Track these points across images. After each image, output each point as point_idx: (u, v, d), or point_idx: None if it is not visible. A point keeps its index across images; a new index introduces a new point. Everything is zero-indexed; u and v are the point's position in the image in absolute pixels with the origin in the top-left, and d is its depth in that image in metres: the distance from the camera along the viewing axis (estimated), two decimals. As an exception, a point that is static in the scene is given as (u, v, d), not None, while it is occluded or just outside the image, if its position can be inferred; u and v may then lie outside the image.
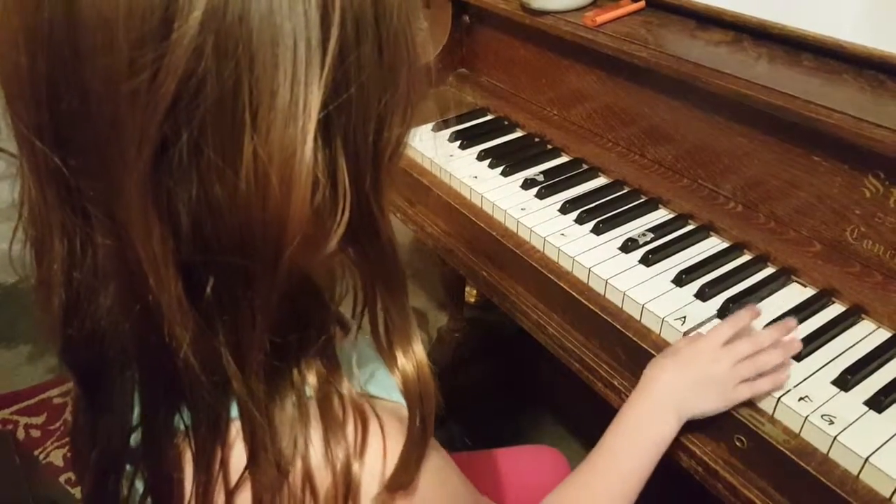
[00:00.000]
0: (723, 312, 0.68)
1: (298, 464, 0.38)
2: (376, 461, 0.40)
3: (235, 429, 0.39)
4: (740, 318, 0.64)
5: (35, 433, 1.45)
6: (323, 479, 0.38)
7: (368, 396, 0.43)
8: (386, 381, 0.44)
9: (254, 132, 0.30)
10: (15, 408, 1.50)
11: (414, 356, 0.43)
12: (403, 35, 0.35)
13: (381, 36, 0.33)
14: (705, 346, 0.62)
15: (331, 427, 0.39)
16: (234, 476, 0.39)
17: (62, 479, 1.32)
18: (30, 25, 0.30)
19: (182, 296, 0.34)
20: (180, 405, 0.39)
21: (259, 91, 0.30)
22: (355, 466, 0.39)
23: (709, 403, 0.60)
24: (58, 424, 1.46)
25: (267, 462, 0.37)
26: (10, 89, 0.32)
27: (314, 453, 0.38)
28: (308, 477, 0.38)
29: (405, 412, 0.44)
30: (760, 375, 0.60)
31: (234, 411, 0.39)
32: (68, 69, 0.30)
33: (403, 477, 0.41)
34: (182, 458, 0.40)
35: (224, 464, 0.39)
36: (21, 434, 1.44)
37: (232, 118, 0.30)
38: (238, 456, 0.39)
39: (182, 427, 0.40)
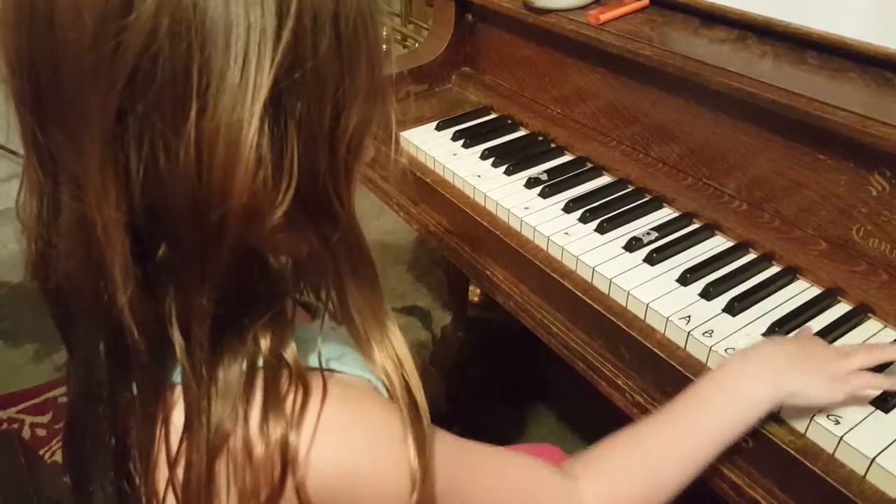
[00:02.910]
0: (728, 311, 0.68)
1: (239, 432, 0.39)
2: (308, 430, 0.41)
3: (179, 391, 0.40)
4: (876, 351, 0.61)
5: (40, 432, 1.45)
6: (257, 449, 0.39)
7: (326, 370, 0.44)
8: (353, 361, 0.46)
9: (200, 109, 0.33)
10: (20, 406, 1.50)
11: (392, 347, 0.45)
12: (363, 27, 0.37)
13: (339, 28, 0.35)
14: (818, 340, 0.61)
15: (271, 401, 0.40)
16: (176, 436, 0.40)
17: (66, 478, 1.32)
18: (17, 5, 0.35)
19: (128, 257, 0.36)
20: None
21: (209, 71, 0.33)
22: (292, 437, 0.40)
23: (809, 379, 0.55)
24: (63, 423, 1.46)
25: (202, 427, 0.39)
26: (9, 63, 0.36)
27: (252, 421, 0.40)
28: (246, 445, 0.39)
29: (364, 382, 0.46)
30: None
31: (178, 376, 0.40)
32: (44, 43, 0.34)
33: (420, 463, 0.43)
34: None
35: (166, 424, 0.41)
36: (26, 433, 1.44)
37: (182, 94, 0.33)
38: (180, 417, 0.40)
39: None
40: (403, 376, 0.45)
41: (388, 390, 0.46)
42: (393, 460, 0.43)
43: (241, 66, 0.33)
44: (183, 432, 0.40)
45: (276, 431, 0.39)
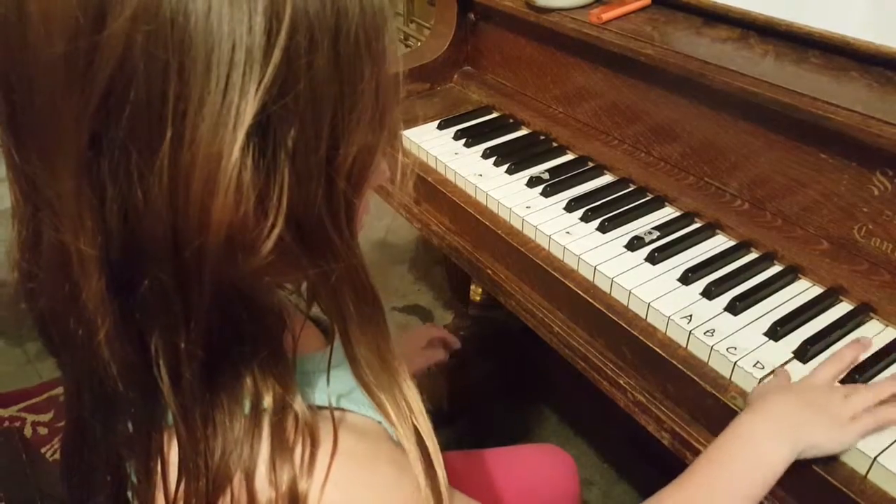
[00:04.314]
0: (730, 310, 0.68)
1: (242, 477, 0.37)
2: (317, 485, 0.39)
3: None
4: (844, 355, 0.61)
5: (42, 430, 1.45)
6: (265, 493, 0.38)
7: (337, 409, 0.42)
8: (363, 399, 0.43)
9: (176, 137, 0.30)
10: (22, 405, 1.50)
11: (401, 393, 0.42)
12: (367, 42, 0.33)
13: (338, 45, 0.32)
14: (812, 380, 0.59)
15: (278, 449, 0.38)
16: (174, 473, 0.39)
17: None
18: None
19: (104, 292, 0.33)
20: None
21: (187, 95, 0.30)
22: (302, 485, 0.38)
23: (823, 430, 0.54)
24: (60, 447, 1.46)
25: (198, 470, 0.37)
26: None
27: (259, 468, 0.38)
28: (251, 489, 0.38)
29: (375, 426, 0.43)
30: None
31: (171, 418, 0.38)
32: (18, 60, 0.32)
33: None
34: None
35: (163, 462, 0.39)
36: (28, 431, 1.44)
37: (158, 120, 0.30)
38: (177, 455, 0.38)
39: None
40: (414, 424, 0.43)
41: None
42: None
43: (222, 90, 0.30)
44: (180, 473, 0.38)
45: (283, 482, 0.37)
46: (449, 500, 0.43)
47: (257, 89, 0.30)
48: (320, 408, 0.41)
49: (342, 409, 0.43)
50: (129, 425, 0.39)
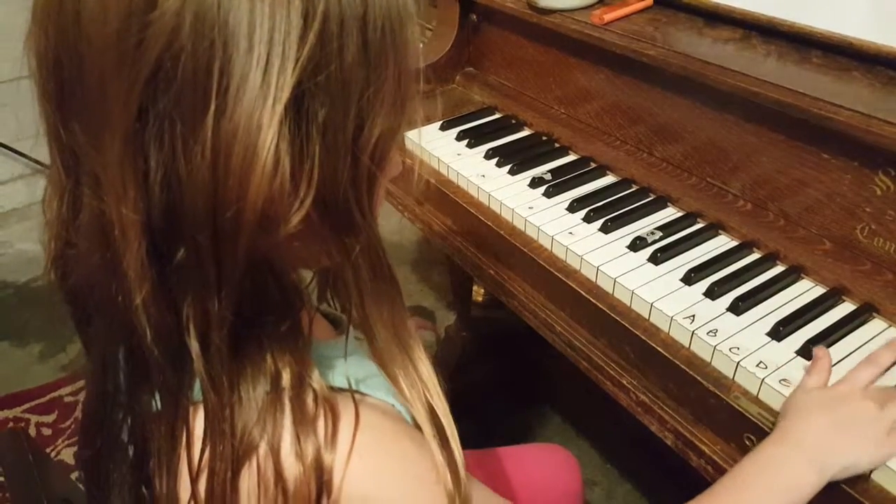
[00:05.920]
0: (733, 310, 0.68)
1: (264, 447, 0.39)
2: (343, 454, 0.40)
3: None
4: (881, 356, 0.59)
5: (46, 431, 1.46)
6: (292, 467, 0.39)
7: (356, 392, 0.43)
8: (379, 384, 0.44)
9: (219, 110, 0.32)
10: (26, 406, 1.51)
11: (415, 370, 0.44)
12: (391, 33, 0.36)
13: (366, 33, 0.35)
14: (847, 388, 0.57)
15: (300, 421, 0.39)
16: (199, 445, 0.40)
17: (73, 476, 1.33)
18: (46, 3, 0.35)
19: (144, 258, 0.35)
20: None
21: (230, 71, 0.32)
22: (327, 456, 0.39)
23: (857, 451, 0.53)
24: (69, 422, 1.47)
25: (224, 436, 0.38)
26: (37, 58, 0.37)
27: (284, 442, 0.39)
28: (277, 462, 0.39)
29: (392, 409, 0.44)
30: None
31: (200, 393, 0.39)
32: (70, 39, 0.34)
33: (457, 495, 0.42)
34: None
35: (188, 433, 0.40)
36: (32, 432, 1.45)
37: (203, 94, 0.32)
38: (202, 426, 0.40)
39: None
40: (429, 401, 0.44)
41: (412, 416, 0.44)
42: (427, 495, 0.42)
43: (263, 68, 0.32)
44: (204, 442, 0.39)
45: (309, 454, 0.39)
46: (466, 479, 0.44)
47: (294, 68, 0.33)
48: (339, 389, 0.42)
49: (361, 393, 0.44)
50: (157, 395, 0.41)
